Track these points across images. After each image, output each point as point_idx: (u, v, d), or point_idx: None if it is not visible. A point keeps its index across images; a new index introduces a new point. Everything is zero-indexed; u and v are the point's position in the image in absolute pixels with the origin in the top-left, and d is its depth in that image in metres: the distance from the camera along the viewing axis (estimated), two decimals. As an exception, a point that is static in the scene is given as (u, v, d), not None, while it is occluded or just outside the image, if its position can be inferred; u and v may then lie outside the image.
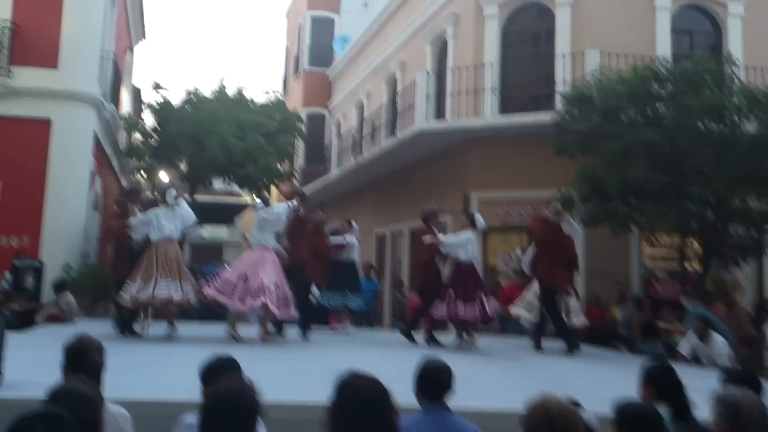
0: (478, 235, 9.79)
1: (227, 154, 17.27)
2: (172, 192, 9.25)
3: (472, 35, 16.49)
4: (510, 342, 11.04)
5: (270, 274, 8.77)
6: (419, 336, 9.97)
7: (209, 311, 13.24)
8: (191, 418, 2.89)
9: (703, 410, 3.67)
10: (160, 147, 18.27)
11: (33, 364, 5.49)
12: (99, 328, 9.01)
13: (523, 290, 10.70)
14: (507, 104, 15.90)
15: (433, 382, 3.86)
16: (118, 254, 10.29)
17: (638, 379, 4.07)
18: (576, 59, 14.72)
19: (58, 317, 12.12)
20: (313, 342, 9.40)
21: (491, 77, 15.78)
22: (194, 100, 18.62)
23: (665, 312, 11.72)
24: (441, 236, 9.89)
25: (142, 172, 19.43)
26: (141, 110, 21.58)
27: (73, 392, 2.77)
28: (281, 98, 21.64)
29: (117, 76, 18.36)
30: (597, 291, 13.28)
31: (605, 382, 6.87)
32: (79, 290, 12.95)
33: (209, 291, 8.86)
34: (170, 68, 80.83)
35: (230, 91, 19.46)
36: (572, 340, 9.77)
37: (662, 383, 3.96)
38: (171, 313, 9.25)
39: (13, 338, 5.71)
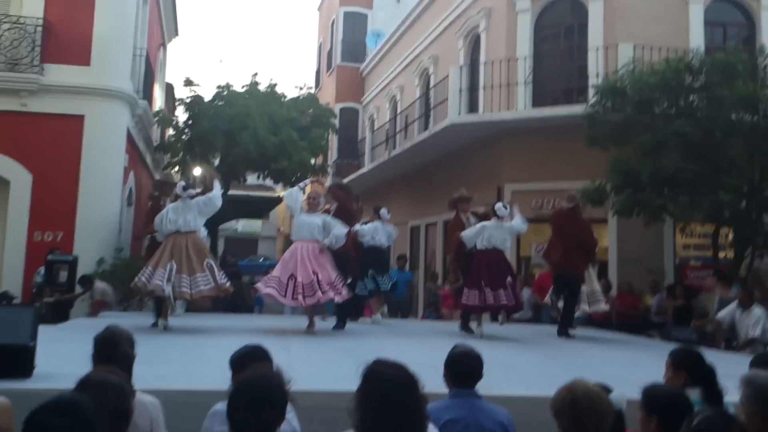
0: (503, 223, 9.72)
1: (260, 148, 17.37)
2: (181, 184, 9.22)
3: (504, 29, 16.47)
4: (543, 330, 11.05)
5: (308, 268, 8.80)
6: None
7: (234, 304, 13.46)
8: (221, 406, 2.94)
9: (733, 395, 3.66)
10: (193, 142, 18.44)
11: (65, 356, 5.55)
12: (132, 320, 9.14)
13: None
14: (539, 97, 15.87)
15: (463, 368, 3.91)
16: (149, 250, 10.43)
17: (665, 363, 4.08)
18: (609, 52, 14.64)
19: (104, 303, 12.37)
20: (347, 332, 9.45)
21: (524, 71, 15.76)
22: (226, 95, 18.78)
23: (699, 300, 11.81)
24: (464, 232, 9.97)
25: (176, 167, 19.65)
26: (174, 106, 21.81)
27: (101, 382, 2.77)
28: (314, 93, 21.75)
29: (149, 73, 18.57)
30: (631, 280, 13.27)
31: (636, 367, 6.87)
32: (113, 284, 13.16)
33: (268, 290, 8.89)
34: (203, 64, 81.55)
35: (262, 87, 19.58)
36: (567, 329, 10.04)
37: (693, 368, 3.97)
38: (199, 305, 9.31)
39: (45, 331, 5.81)
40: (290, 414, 3.47)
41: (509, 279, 9.53)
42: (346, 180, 21.59)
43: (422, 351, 6.27)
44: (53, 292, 12.26)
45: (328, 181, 21.73)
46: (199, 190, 9.24)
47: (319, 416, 4.02)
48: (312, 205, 9.26)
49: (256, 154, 17.40)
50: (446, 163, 18.58)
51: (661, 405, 3.15)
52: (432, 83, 20.46)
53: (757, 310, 9.50)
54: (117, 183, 15.38)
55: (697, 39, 14.60)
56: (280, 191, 31.46)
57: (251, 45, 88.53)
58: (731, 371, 3.73)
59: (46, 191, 14.21)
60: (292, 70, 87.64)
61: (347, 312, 9.89)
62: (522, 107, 15.61)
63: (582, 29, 15.68)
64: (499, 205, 9.87)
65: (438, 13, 20.41)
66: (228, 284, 8.96)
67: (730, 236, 12.77)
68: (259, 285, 9.29)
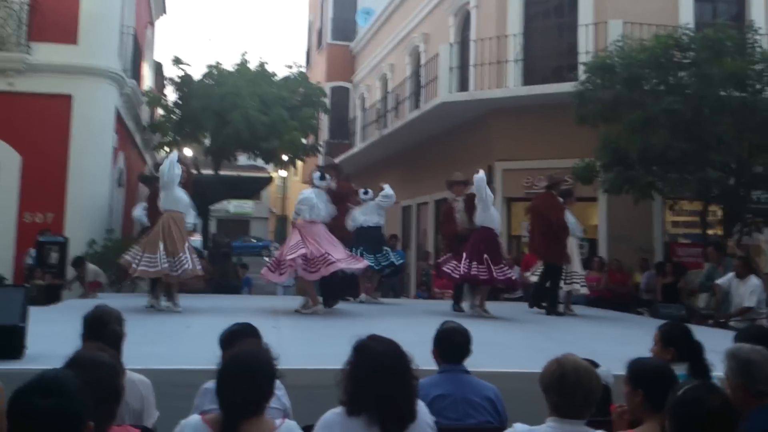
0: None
1: (251, 128, 17.33)
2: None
3: (494, 6, 16.43)
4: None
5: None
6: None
7: (221, 284, 13.48)
8: (211, 384, 2.96)
9: (720, 371, 3.70)
10: (183, 122, 18.37)
11: (56, 336, 5.56)
12: (125, 301, 9.13)
13: None
14: (530, 75, 15.85)
15: (451, 344, 3.95)
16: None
17: (653, 338, 4.13)
18: (599, 29, 14.62)
19: (98, 284, 12.38)
20: (338, 311, 9.46)
21: (514, 48, 15.72)
22: (216, 74, 18.69)
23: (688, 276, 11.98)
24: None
25: (165, 147, 19.57)
26: (163, 85, 21.68)
27: (91, 360, 2.71)
28: (304, 72, 21.67)
29: (138, 51, 18.44)
30: (620, 257, 13.36)
31: (623, 343, 6.94)
32: (104, 266, 13.13)
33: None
34: (192, 43, 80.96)
35: (252, 66, 19.49)
36: (554, 308, 10.10)
37: (681, 343, 4.02)
38: (191, 286, 9.32)
39: (36, 312, 5.80)
40: (280, 391, 3.49)
41: (497, 258, 9.50)
42: (337, 160, 21.55)
43: (413, 329, 6.30)
44: (44, 273, 12.24)
45: (319, 161, 21.70)
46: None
47: (309, 394, 4.04)
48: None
49: (247, 133, 17.35)
50: (437, 142, 18.56)
51: (646, 378, 3.18)
52: (423, 61, 20.40)
53: (753, 280, 9.64)
54: (107, 163, 15.31)
55: (686, 15, 14.57)
56: (272, 171, 31.41)
57: (240, 23, 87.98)
58: (718, 347, 3.77)
59: (36, 172, 14.15)
60: (282, 48, 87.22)
61: (332, 291, 9.85)
62: (512, 85, 15.60)
63: (572, 6, 15.63)
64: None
65: (428, -10, 20.30)
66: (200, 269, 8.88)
67: (719, 213, 12.84)
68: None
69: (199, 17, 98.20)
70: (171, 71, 19.56)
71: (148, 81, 22.97)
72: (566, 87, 13.53)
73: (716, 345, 4.15)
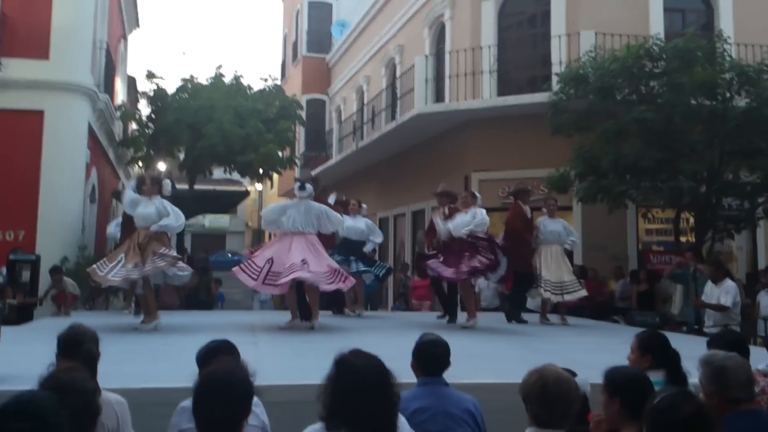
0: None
1: (226, 142, 17.27)
2: (167, 183, 9.03)
3: (469, 18, 16.53)
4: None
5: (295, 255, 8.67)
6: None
7: (195, 299, 13.35)
8: (188, 403, 2.92)
9: (695, 378, 3.73)
10: (157, 136, 18.26)
11: (29, 357, 5.48)
12: (98, 319, 9.03)
13: None
14: (504, 86, 15.96)
15: (430, 356, 3.94)
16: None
17: (631, 346, 4.15)
18: (571, 40, 14.78)
19: (76, 297, 12.09)
20: (318, 326, 9.38)
21: (489, 59, 15.83)
22: (190, 88, 18.62)
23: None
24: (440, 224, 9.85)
25: (139, 162, 19.44)
26: (136, 100, 21.56)
27: (65, 380, 2.69)
28: (280, 85, 21.66)
29: (110, 66, 18.31)
30: (595, 266, 13.46)
31: (600, 351, 6.98)
32: (77, 283, 12.94)
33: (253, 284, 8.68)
34: (166, 56, 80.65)
35: (227, 79, 19.45)
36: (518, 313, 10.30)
37: (658, 351, 4.05)
38: (165, 302, 9.25)
39: (8, 332, 5.70)
40: (258, 408, 3.46)
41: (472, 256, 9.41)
42: (314, 172, 21.53)
43: (393, 342, 6.30)
44: (16, 292, 12.03)
45: (296, 174, 21.67)
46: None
47: (288, 410, 4.01)
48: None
49: (222, 147, 17.29)
50: (414, 154, 18.62)
51: (623, 386, 3.20)
52: (398, 73, 20.46)
53: (728, 282, 9.82)
54: (79, 180, 15.16)
55: (656, 26, 14.76)
56: (248, 184, 31.26)
57: (215, 37, 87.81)
58: (693, 354, 3.80)
59: (7, 189, 13.93)
60: (258, 61, 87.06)
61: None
62: (487, 96, 15.68)
63: (545, 17, 15.79)
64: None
65: (403, 2, 20.41)
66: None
67: (691, 221, 12.99)
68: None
69: (172, 31, 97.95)
70: (144, 85, 19.50)
71: (121, 95, 22.83)
72: (540, 97, 13.66)
73: (690, 352, 4.18)
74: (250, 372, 2.89)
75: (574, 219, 14.59)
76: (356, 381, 2.79)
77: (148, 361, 6.33)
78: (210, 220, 48.47)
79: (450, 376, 3.95)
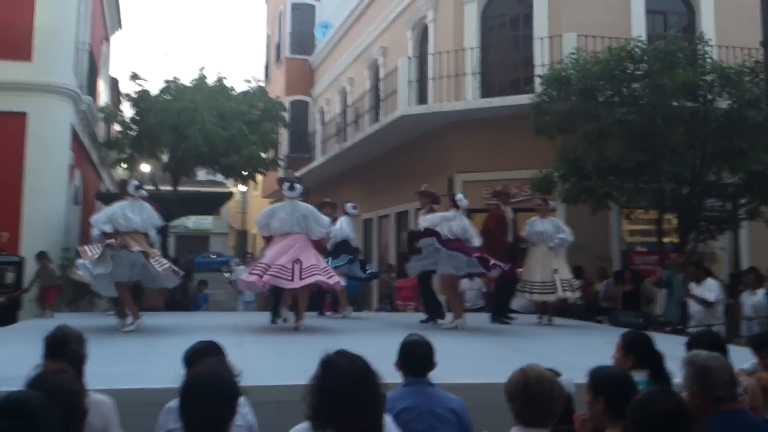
0: (462, 213, 9.76)
1: (209, 143, 17.24)
2: (134, 183, 9.02)
3: (451, 20, 16.59)
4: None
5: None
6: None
7: (173, 301, 13.31)
8: (175, 403, 2.93)
9: (679, 378, 3.77)
10: (141, 138, 18.19)
11: (13, 358, 5.46)
12: (82, 321, 8.98)
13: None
14: (488, 88, 16.04)
15: (414, 357, 3.96)
16: None
17: (615, 345, 4.20)
18: (554, 42, 14.85)
19: (57, 289, 12.01)
20: (303, 327, 9.40)
21: (471, 61, 15.89)
22: (173, 89, 18.56)
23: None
24: (421, 219, 9.92)
25: (122, 164, 19.36)
26: (119, 101, 21.47)
27: (52, 381, 2.70)
28: (263, 86, 21.62)
29: (93, 67, 18.24)
30: (579, 266, 13.45)
31: (584, 352, 7.03)
32: (61, 288, 12.85)
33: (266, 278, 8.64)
34: (148, 58, 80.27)
35: (210, 80, 19.41)
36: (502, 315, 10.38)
37: (642, 352, 4.09)
38: (151, 303, 9.25)
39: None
40: (245, 408, 3.48)
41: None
42: (297, 173, 21.51)
43: (378, 343, 6.31)
44: (0, 293, 11.97)
45: (280, 175, 21.63)
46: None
47: (275, 410, 4.03)
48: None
49: (206, 148, 17.25)
50: (397, 155, 18.65)
51: (607, 386, 3.24)
52: (382, 75, 20.49)
53: (710, 280, 10.12)
54: (62, 181, 15.10)
55: (638, 28, 14.89)
56: (231, 186, 31.12)
57: (198, 38, 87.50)
58: (676, 354, 3.85)
59: (-11, 191, 13.87)
60: (241, 63, 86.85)
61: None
62: (471, 98, 15.74)
63: (527, 19, 15.86)
64: (460, 196, 9.91)
65: (385, 3, 20.45)
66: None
67: (674, 222, 13.09)
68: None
69: (155, 32, 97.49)
70: (127, 87, 19.41)
71: (104, 97, 22.71)
72: (523, 99, 13.72)
73: (674, 352, 4.23)
74: (235, 372, 2.91)
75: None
76: (341, 381, 2.81)
77: (134, 362, 6.32)
78: (193, 222, 48.24)
79: (435, 376, 3.98)
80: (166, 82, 18.77)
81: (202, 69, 19.55)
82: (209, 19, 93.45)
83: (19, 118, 14.38)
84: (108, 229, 8.68)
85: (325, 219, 9.16)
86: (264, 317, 10.07)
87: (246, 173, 19.50)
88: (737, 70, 11.95)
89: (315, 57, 28.79)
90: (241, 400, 2.89)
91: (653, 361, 4.03)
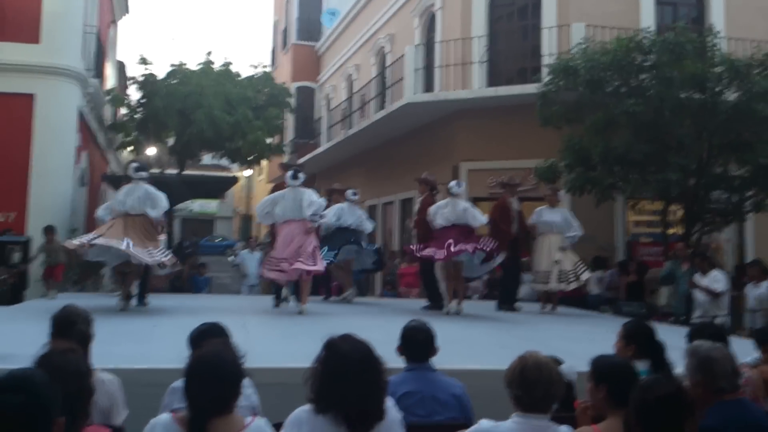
0: (458, 200, 9.82)
1: (215, 128, 17.27)
2: (134, 165, 9.06)
3: (459, 8, 16.52)
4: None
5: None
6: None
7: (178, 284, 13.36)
8: (180, 383, 2.97)
9: (680, 368, 3.79)
10: (147, 121, 18.23)
11: (20, 336, 5.49)
12: (87, 301, 9.03)
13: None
14: (494, 76, 15.99)
15: (415, 342, 4.00)
16: None
17: (617, 334, 4.22)
18: (562, 32, 14.78)
19: (62, 267, 12.05)
20: (308, 311, 9.45)
21: (479, 50, 15.84)
22: (180, 73, 18.56)
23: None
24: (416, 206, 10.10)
25: (129, 147, 19.41)
26: (126, 85, 21.49)
27: (59, 360, 2.73)
28: (269, 72, 21.61)
29: (100, 51, 18.24)
30: (583, 257, 13.46)
31: (586, 340, 7.07)
32: (67, 265, 12.95)
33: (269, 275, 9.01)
34: (155, 42, 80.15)
35: (217, 65, 19.40)
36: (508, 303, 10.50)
37: (643, 341, 4.11)
38: (155, 285, 9.35)
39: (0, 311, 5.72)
40: (249, 389, 3.52)
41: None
42: (302, 160, 21.55)
43: (382, 327, 6.33)
44: (7, 272, 12.03)
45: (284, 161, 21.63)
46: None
47: (278, 391, 4.06)
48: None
49: (211, 133, 17.28)
50: (403, 143, 18.64)
51: (609, 375, 3.27)
52: (388, 62, 20.44)
53: (716, 272, 10.14)
54: (69, 163, 15.16)
55: (647, 18, 14.81)
56: (236, 170, 31.16)
57: (205, 23, 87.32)
58: (681, 344, 3.86)
59: (-2, 172, 13.95)
60: (247, 48, 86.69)
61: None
62: (477, 86, 15.70)
63: (536, 8, 15.79)
64: (452, 184, 9.96)
65: (394, -10, 20.35)
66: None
67: (679, 213, 13.08)
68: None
69: (162, 16, 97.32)
70: (134, 70, 19.45)
71: (111, 80, 22.74)
72: (530, 88, 13.67)
73: (676, 342, 4.25)
74: (240, 354, 2.94)
75: (562, 210, 14.68)
76: (343, 365, 2.85)
77: (139, 341, 6.37)
78: (199, 205, 48.33)
79: (437, 361, 4.01)
80: (173, 66, 18.76)
81: (208, 54, 19.55)
82: (216, 4, 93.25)
83: (27, 99, 14.44)
84: (108, 218, 8.83)
85: (318, 201, 9.15)
86: (268, 300, 10.13)
87: (251, 158, 19.52)
88: (746, 62, 11.88)
89: (321, 43, 28.73)
90: (245, 381, 2.92)
91: (654, 351, 4.05)
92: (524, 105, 13.66)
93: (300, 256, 8.69)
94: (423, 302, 10.56)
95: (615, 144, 11.70)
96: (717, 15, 15.20)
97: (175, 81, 18.39)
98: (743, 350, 4.90)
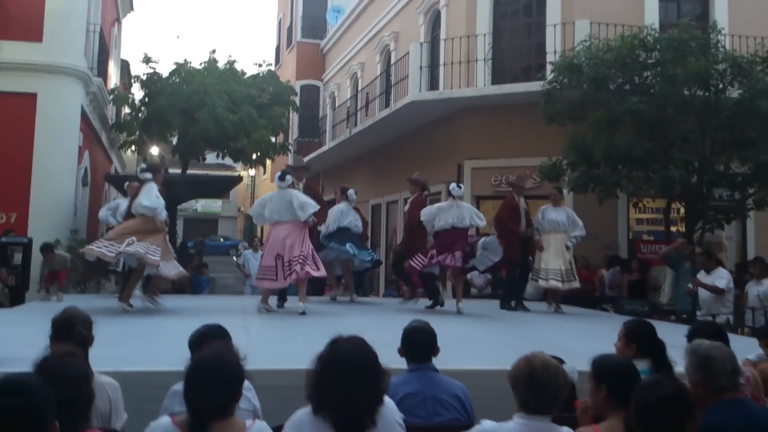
0: (460, 202, 9.84)
1: (219, 127, 17.24)
2: (141, 166, 9.15)
3: (464, 6, 16.50)
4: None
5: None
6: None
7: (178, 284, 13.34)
8: (180, 386, 2.96)
9: (681, 367, 3.78)
10: (150, 121, 18.21)
11: (21, 339, 5.48)
12: (89, 302, 9.03)
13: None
14: (499, 74, 15.98)
15: (415, 343, 3.98)
16: None
17: (618, 333, 4.20)
18: (566, 29, 14.75)
19: (67, 271, 12.10)
20: (309, 311, 9.44)
21: (483, 48, 15.82)
22: (184, 72, 18.55)
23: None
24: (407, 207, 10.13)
25: (132, 146, 19.40)
26: (129, 84, 21.48)
27: (59, 364, 2.74)
28: (274, 70, 21.59)
29: (104, 49, 18.23)
30: (586, 255, 13.48)
31: (588, 339, 7.04)
32: (70, 269, 12.93)
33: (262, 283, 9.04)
34: (159, 41, 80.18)
35: (221, 64, 19.38)
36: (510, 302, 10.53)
37: (643, 341, 4.10)
38: (157, 285, 9.37)
39: (1, 314, 5.71)
40: (250, 392, 3.50)
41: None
42: (307, 158, 21.55)
43: (383, 328, 6.35)
44: (8, 274, 12.01)
45: (289, 160, 21.65)
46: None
47: (279, 394, 4.05)
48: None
49: (215, 132, 17.25)
50: (407, 141, 18.63)
51: (609, 374, 3.26)
52: (393, 60, 20.44)
53: (721, 269, 10.14)
54: (72, 163, 15.13)
55: (651, 16, 14.79)
56: (240, 170, 31.14)
57: (209, 21, 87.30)
58: (682, 343, 3.84)
59: (-1, 171, 13.92)
60: (252, 46, 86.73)
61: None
62: (482, 84, 15.69)
63: (540, 6, 15.77)
64: (453, 185, 9.95)
65: (398, -12, 20.33)
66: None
67: (682, 211, 13.06)
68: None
69: (166, 15, 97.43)
70: (138, 69, 19.41)
71: (114, 79, 22.72)
72: (534, 86, 13.66)
73: (677, 341, 4.22)
74: (240, 356, 2.93)
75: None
76: (341, 367, 2.83)
77: (140, 344, 6.36)
78: (202, 205, 48.37)
79: (439, 362, 3.99)
80: (177, 64, 18.76)
81: (212, 52, 19.54)
82: (221, 2, 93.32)
83: (30, 98, 14.38)
84: (111, 221, 8.85)
85: (310, 202, 9.11)
86: (271, 301, 10.10)
87: (255, 157, 19.52)
88: (749, 59, 11.87)
89: (326, 41, 28.71)
90: (246, 383, 2.92)
91: (655, 350, 4.04)
92: (528, 103, 13.66)
93: (295, 254, 8.68)
94: (426, 302, 10.54)
95: (618, 141, 11.68)
96: (721, 12, 15.15)
97: (178, 80, 18.38)
98: (744, 348, 4.88)
